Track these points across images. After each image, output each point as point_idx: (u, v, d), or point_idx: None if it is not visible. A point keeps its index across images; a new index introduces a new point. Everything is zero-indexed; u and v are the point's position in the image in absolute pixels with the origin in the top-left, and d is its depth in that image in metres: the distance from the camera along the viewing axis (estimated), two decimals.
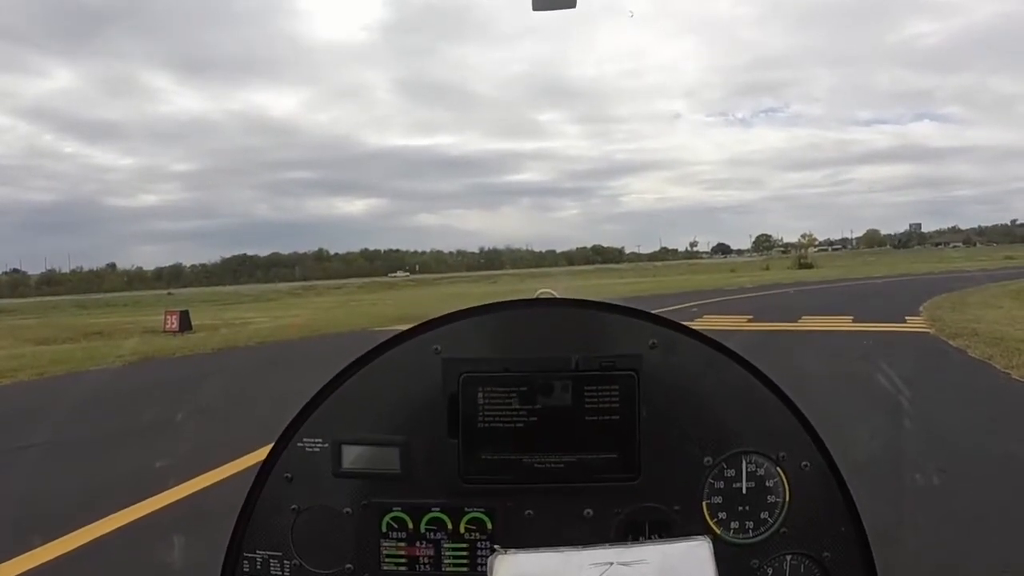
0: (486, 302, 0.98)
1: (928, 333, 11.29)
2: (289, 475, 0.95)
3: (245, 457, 4.85)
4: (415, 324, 0.97)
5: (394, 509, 0.93)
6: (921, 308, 15.15)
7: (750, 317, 15.09)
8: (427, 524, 0.93)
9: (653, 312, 0.98)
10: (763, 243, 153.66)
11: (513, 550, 0.70)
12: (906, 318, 13.57)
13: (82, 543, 3.62)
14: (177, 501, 4.24)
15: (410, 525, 0.93)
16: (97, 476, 4.99)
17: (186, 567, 3.06)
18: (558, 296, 1.00)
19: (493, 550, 0.72)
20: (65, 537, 3.66)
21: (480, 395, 0.92)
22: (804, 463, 0.93)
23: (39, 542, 3.56)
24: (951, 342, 10.03)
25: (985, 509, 3.64)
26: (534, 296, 1.01)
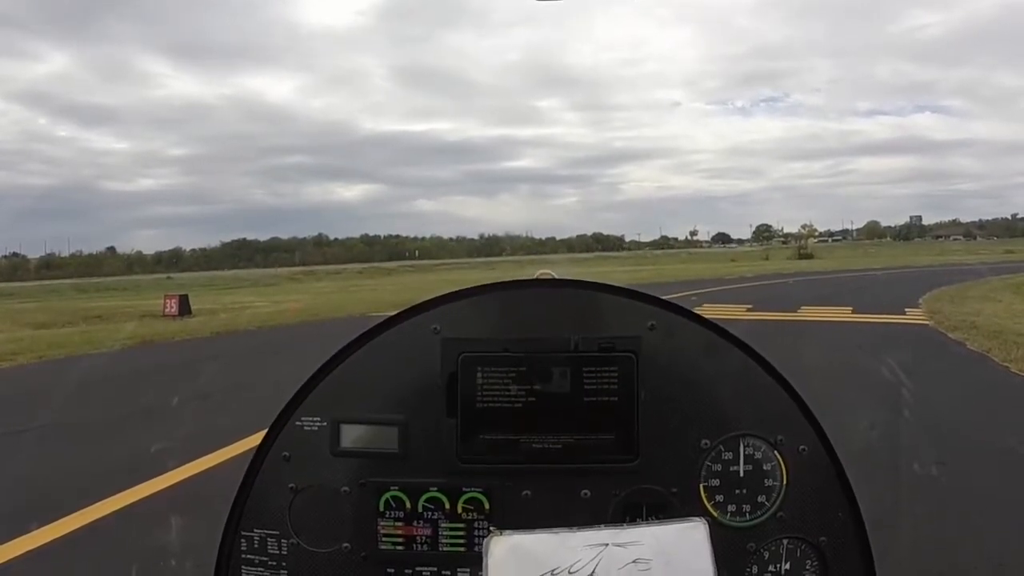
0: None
1: (927, 325, 11.31)
2: (287, 454, 0.95)
3: (242, 441, 4.86)
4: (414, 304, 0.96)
5: (392, 488, 0.93)
6: (921, 300, 15.18)
7: (749, 307, 15.11)
8: (425, 504, 0.93)
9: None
10: (763, 233, 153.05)
11: (509, 531, 0.70)
12: (906, 310, 13.60)
13: (80, 526, 3.64)
14: (175, 484, 4.25)
15: (408, 504, 0.93)
16: (95, 459, 5.00)
17: (184, 547, 3.08)
18: (558, 277, 0.99)
19: (490, 530, 0.72)
20: (63, 520, 3.67)
21: (479, 375, 0.92)
22: (802, 447, 0.93)
23: (37, 525, 3.57)
24: (950, 334, 10.04)
25: (982, 500, 3.66)
26: (534, 277, 1.00)
